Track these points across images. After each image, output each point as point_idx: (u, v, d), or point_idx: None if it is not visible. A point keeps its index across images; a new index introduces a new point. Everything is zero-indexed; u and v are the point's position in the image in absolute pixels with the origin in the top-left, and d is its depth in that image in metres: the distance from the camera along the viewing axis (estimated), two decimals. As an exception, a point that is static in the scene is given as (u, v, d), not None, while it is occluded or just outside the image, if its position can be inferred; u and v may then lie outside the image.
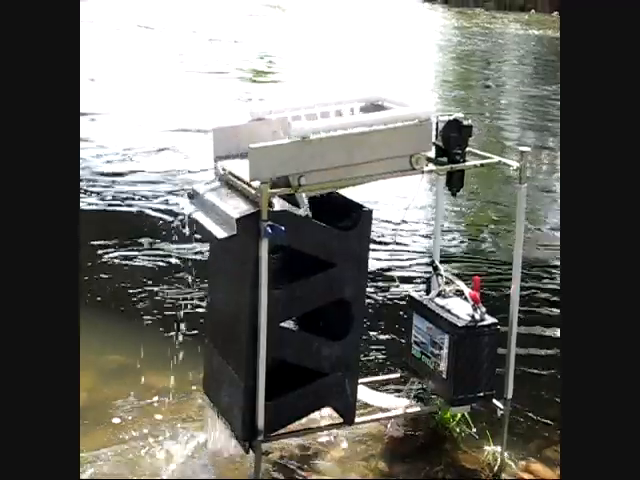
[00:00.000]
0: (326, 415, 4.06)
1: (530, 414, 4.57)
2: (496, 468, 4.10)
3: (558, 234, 7.23)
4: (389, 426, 4.32)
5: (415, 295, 4.27)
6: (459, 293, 4.12)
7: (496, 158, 3.97)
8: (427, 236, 7.18)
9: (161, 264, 6.33)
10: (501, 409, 4.07)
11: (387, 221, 7.40)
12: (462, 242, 7.45)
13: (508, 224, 7.37)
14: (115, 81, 12.80)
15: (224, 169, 3.79)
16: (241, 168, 3.62)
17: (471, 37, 20.22)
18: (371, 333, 5.35)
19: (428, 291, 4.27)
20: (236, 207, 3.50)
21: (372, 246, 3.90)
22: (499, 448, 4.13)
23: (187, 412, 4.41)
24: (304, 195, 3.59)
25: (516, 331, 4.03)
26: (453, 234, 7.53)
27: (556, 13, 23.30)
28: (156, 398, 4.55)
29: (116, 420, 4.37)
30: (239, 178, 3.64)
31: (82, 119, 7.46)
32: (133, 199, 7.88)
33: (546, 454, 4.28)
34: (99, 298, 5.60)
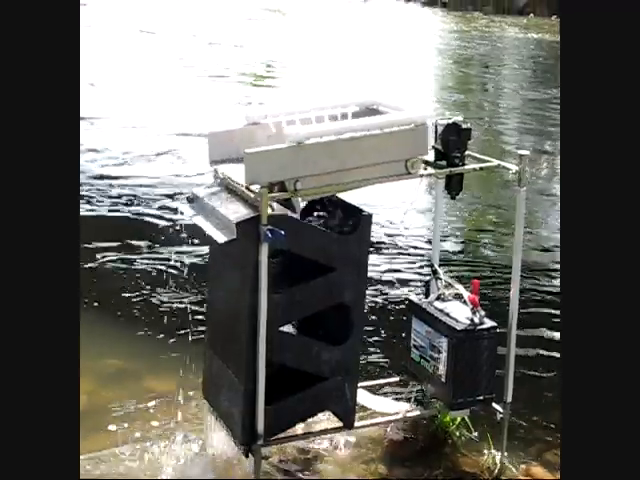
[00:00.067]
0: (325, 419, 4.06)
1: (530, 417, 4.58)
2: (496, 472, 4.10)
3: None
4: (389, 430, 4.32)
5: (414, 299, 4.27)
6: (458, 297, 4.13)
7: (495, 162, 3.98)
8: (428, 241, 7.19)
9: (159, 268, 6.32)
10: (500, 413, 4.07)
11: (388, 223, 7.42)
12: (462, 246, 7.45)
13: (507, 227, 7.37)
14: (114, 85, 12.80)
15: (223, 173, 3.79)
16: (237, 173, 3.62)
17: (470, 41, 20.24)
18: (370, 336, 5.35)
19: (427, 295, 4.28)
20: (236, 211, 3.50)
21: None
22: (499, 452, 4.14)
23: (186, 416, 4.41)
24: (300, 199, 3.59)
25: (515, 335, 4.04)
26: (453, 238, 7.54)
27: (554, 17, 23.32)
28: (154, 402, 4.55)
29: (115, 424, 4.37)
30: (238, 182, 3.65)
31: (82, 123, 7.45)
32: (132, 203, 7.88)
33: (546, 458, 4.28)
34: (96, 303, 5.59)
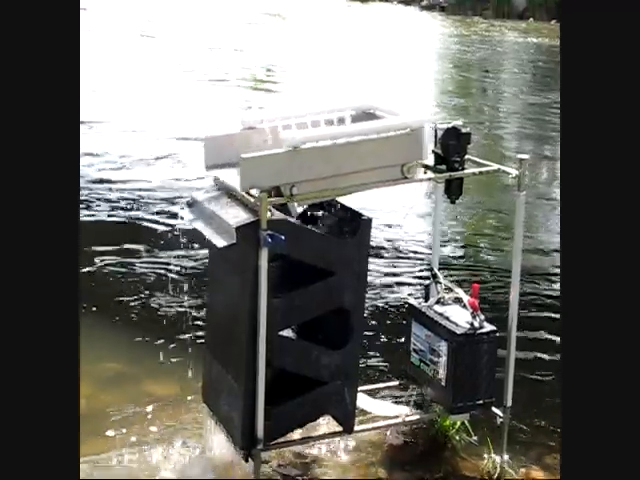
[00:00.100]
0: (324, 423, 4.06)
1: (530, 421, 4.57)
2: (496, 475, 4.10)
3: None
4: (389, 434, 4.32)
5: (414, 302, 4.27)
6: (458, 300, 4.12)
7: (495, 166, 3.97)
8: (428, 246, 7.18)
9: (158, 272, 6.32)
10: (500, 417, 4.07)
11: (387, 227, 7.42)
12: (462, 250, 7.45)
13: (507, 232, 7.36)
14: (114, 89, 12.80)
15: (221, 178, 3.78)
16: (233, 178, 3.62)
17: (470, 45, 20.25)
18: (370, 340, 5.35)
19: (427, 298, 4.28)
20: (235, 216, 3.50)
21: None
22: (499, 455, 4.13)
23: (185, 420, 4.41)
24: (296, 204, 3.59)
25: (515, 339, 4.04)
26: (453, 242, 7.53)
27: (554, 21, 23.33)
28: (152, 406, 4.55)
29: (113, 428, 4.37)
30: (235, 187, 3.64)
31: (81, 127, 7.46)
32: (131, 207, 7.88)
33: (546, 461, 4.28)
34: (94, 308, 5.59)
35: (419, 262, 6.88)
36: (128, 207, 7.88)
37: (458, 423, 4.27)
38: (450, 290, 4.18)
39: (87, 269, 6.16)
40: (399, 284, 6.44)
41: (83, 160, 8.71)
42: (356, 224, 3.74)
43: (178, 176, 8.73)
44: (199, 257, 6.21)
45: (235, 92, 13.10)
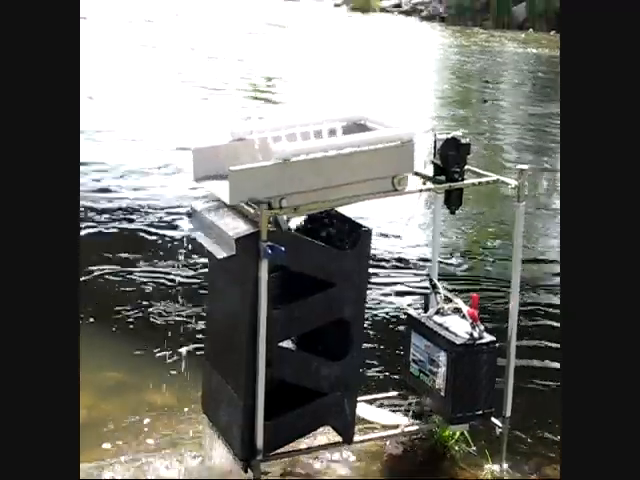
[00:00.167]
0: (324, 434, 4.06)
1: (530, 431, 4.57)
2: (495, 486, 4.11)
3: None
4: (388, 444, 4.32)
5: (413, 313, 4.27)
6: (457, 311, 4.13)
7: (494, 176, 3.98)
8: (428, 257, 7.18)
9: (157, 282, 6.32)
10: (500, 427, 4.07)
11: (388, 238, 7.43)
12: (462, 260, 7.45)
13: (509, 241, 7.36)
14: (114, 98, 12.82)
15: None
16: (222, 190, 3.59)
17: (470, 55, 20.28)
18: (370, 350, 5.35)
19: (426, 309, 4.28)
20: (235, 227, 3.49)
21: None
22: (498, 466, 4.13)
23: (185, 430, 4.41)
24: (285, 217, 3.58)
25: (515, 349, 4.04)
26: (454, 252, 7.54)
27: (553, 32, 23.35)
28: (153, 416, 4.55)
29: (114, 436, 4.37)
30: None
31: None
32: (129, 217, 7.88)
33: (546, 472, 4.27)
34: (92, 319, 5.58)
35: (419, 272, 6.87)
36: (126, 217, 7.88)
37: (457, 433, 4.28)
38: (449, 300, 4.18)
39: (85, 278, 6.15)
40: (398, 293, 6.44)
41: (81, 169, 8.69)
42: (356, 235, 3.74)
43: (177, 186, 8.72)
44: (198, 267, 6.22)
45: (235, 102, 13.11)
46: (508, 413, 4.06)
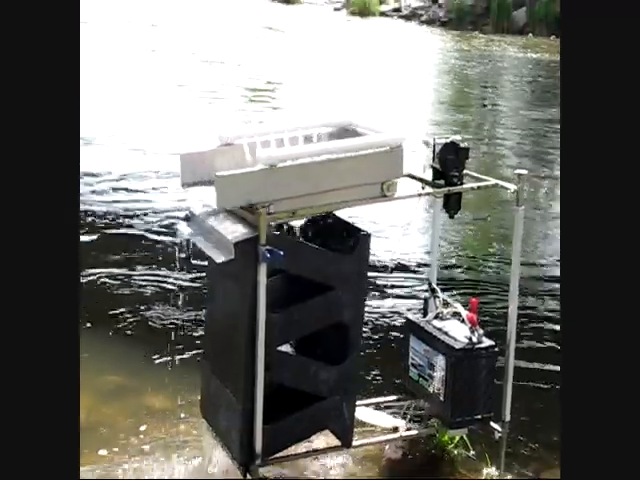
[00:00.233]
0: (323, 438, 4.06)
1: (529, 436, 4.57)
2: (494, 490, 4.10)
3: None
4: (387, 448, 4.32)
5: (412, 317, 4.27)
6: (457, 315, 4.12)
7: (493, 181, 3.98)
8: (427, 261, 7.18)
9: (156, 286, 6.32)
10: (499, 431, 4.07)
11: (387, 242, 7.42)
12: (462, 264, 7.45)
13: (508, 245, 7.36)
14: (113, 104, 12.81)
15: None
16: (210, 195, 3.57)
17: (470, 60, 20.29)
18: (368, 354, 5.35)
19: (425, 313, 4.28)
20: (234, 231, 3.49)
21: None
22: (497, 470, 4.13)
23: (184, 434, 4.41)
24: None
25: (514, 354, 4.04)
26: (454, 257, 7.54)
27: (553, 37, 23.37)
28: (152, 420, 4.55)
29: (114, 439, 4.36)
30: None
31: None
32: (129, 222, 7.88)
33: (544, 476, 4.27)
34: (89, 324, 5.58)
35: (419, 276, 6.87)
36: (126, 222, 7.87)
37: (456, 438, 4.27)
38: (448, 305, 4.18)
39: (84, 280, 6.14)
40: (398, 296, 6.43)
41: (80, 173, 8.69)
42: (355, 239, 3.74)
43: (176, 191, 8.71)
44: (196, 271, 6.20)
45: (234, 106, 13.11)
46: (507, 417, 4.06)
